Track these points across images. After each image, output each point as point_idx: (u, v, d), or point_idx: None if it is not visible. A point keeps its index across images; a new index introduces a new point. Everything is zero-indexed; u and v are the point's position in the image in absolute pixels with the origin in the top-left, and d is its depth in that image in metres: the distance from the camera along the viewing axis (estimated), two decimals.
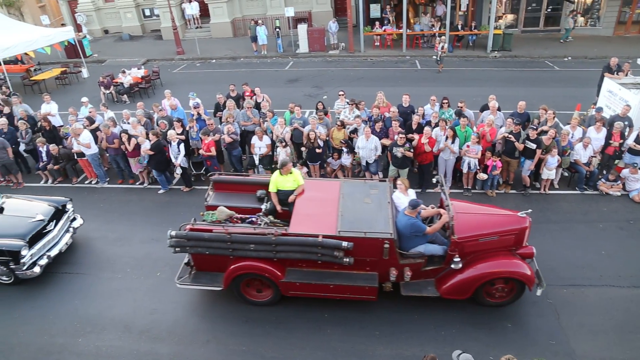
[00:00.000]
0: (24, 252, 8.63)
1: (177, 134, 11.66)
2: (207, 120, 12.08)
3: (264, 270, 7.75)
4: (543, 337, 7.63)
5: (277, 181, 8.55)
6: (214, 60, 24.25)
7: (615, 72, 14.18)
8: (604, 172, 11.56)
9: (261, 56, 24.31)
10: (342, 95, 13.08)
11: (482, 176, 11.00)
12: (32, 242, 8.86)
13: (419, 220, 7.79)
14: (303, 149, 11.70)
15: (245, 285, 8.20)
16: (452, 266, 7.72)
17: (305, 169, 11.67)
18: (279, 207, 8.57)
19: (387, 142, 11.29)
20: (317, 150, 11.37)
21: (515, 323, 7.90)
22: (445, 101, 12.20)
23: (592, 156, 11.30)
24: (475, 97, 14.57)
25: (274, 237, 7.41)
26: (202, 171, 12.40)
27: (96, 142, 12.16)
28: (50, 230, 9.31)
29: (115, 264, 9.55)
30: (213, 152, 11.54)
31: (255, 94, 13.78)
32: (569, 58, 22.70)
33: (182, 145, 11.51)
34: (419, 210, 7.84)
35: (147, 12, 30.58)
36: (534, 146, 10.70)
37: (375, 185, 8.81)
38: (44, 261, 8.97)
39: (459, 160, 11.28)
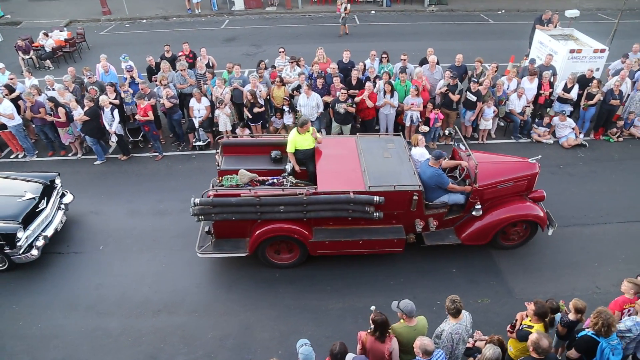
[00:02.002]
0: (19, 235, 7.93)
1: (111, 100, 11.02)
2: (140, 84, 11.47)
3: (293, 231, 7.64)
4: (485, 279, 8.09)
5: (296, 140, 8.25)
6: (144, 21, 22.88)
7: (546, 24, 14.64)
8: (537, 120, 12.08)
9: (195, 15, 23.18)
10: (283, 52, 12.76)
11: (424, 128, 11.21)
12: (25, 223, 8.14)
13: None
14: (245, 109, 11.42)
15: (274, 251, 8.09)
16: (474, 213, 8.05)
17: (247, 130, 11.43)
18: (297, 167, 8.37)
19: (328, 99, 11.21)
20: (259, 109, 11.13)
21: (459, 268, 8.30)
22: (385, 55, 12.18)
23: (526, 106, 11.75)
24: (414, 51, 14.65)
25: (305, 197, 7.26)
26: (139, 138, 11.85)
27: (19, 112, 11.25)
28: (42, 209, 8.59)
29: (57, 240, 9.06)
30: (150, 116, 11.01)
31: (195, 56, 13.16)
32: (503, 11, 23.20)
33: (116, 112, 10.90)
34: (441, 162, 8.00)
35: None
36: (474, 98, 10.99)
37: (390, 139, 8.92)
38: (40, 242, 8.30)
39: (400, 114, 11.41)
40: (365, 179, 7.62)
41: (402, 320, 5.51)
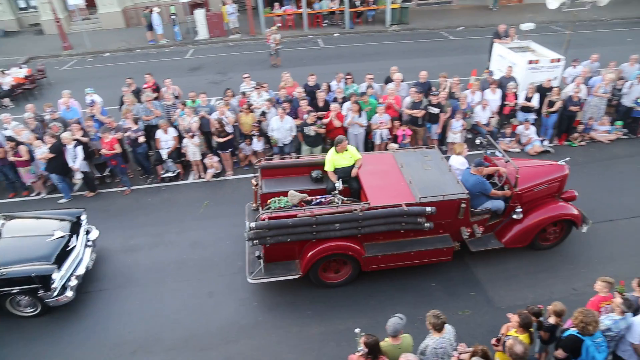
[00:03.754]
0: (54, 276, 7.51)
1: (78, 137, 10.75)
2: (105, 119, 11.25)
3: (348, 248, 7.63)
4: (464, 290, 8.10)
5: (334, 159, 8.39)
6: (107, 54, 22.66)
7: (503, 38, 15.11)
8: (502, 130, 12.35)
9: (159, 45, 23.10)
10: (247, 77, 12.75)
11: (393, 146, 11.28)
12: (58, 263, 7.72)
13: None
14: (214, 137, 11.32)
15: (321, 270, 7.98)
16: (514, 216, 8.30)
17: (216, 158, 11.33)
18: (338, 185, 8.28)
19: (297, 122, 11.22)
20: (227, 137, 11.06)
21: (439, 282, 8.28)
22: (349, 77, 12.32)
23: (491, 117, 12.02)
24: (379, 70, 14.87)
25: (360, 212, 7.31)
26: (106, 173, 11.58)
27: None
28: (73, 247, 8.23)
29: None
30: (118, 149, 10.76)
31: (159, 87, 13.03)
32: (462, 28, 23.90)
33: (79, 148, 10.61)
34: (482, 169, 8.24)
35: (22, 4, 27.63)
36: (437, 111, 11.19)
37: (425, 152, 9.07)
38: (73, 282, 7.90)
39: (369, 132, 11.50)
40: (413, 191, 7.78)
41: (387, 339, 5.45)
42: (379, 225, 7.53)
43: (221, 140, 11.14)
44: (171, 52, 22.44)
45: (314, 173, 8.75)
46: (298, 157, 9.56)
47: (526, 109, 12.14)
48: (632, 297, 6.09)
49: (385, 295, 8.03)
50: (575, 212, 8.49)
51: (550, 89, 12.08)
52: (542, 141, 12.18)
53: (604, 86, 12.34)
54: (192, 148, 11.12)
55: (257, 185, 8.71)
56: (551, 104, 11.94)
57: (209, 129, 11.41)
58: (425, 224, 7.55)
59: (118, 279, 8.66)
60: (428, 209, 7.46)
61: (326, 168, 8.46)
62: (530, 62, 12.87)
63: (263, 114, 11.57)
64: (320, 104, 11.44)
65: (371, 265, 7.89)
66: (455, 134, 11.52)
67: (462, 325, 7.10)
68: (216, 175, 11.57)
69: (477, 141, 10.08)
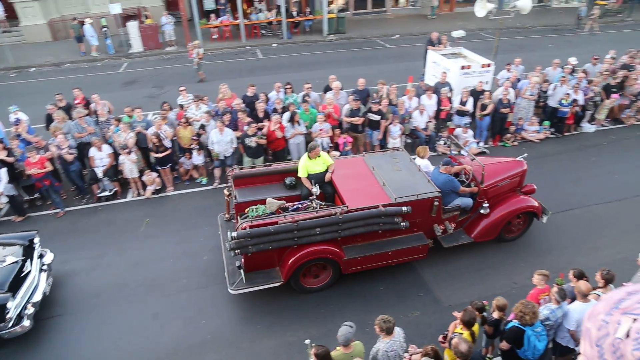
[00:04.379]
0: (9, 305, 6.86)
1: (2, 156, 10.04)
2: (32, 138, 10.60)
3: (329, 252, 7.68)
4: (412, 292, 8.23)
5: (307, 166, 8.45)
6: (33, 69, 21.46)
7: (436, 45, 15.67)
8: (439, 134, 12.75)
9: (90, 59, 22.15)
10: (184, 90, 12.43)
11: (335, 154, 11.33)
12: (12, 290, 7.06)
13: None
14: (152, 153, 10.94)
15: (302, 275, 7.93)
16: (482, 211, 8.75)
17: (155, 174, 10.95)
18: (314, 190, 8.28)
19: (237, 134, 11.07)
20: (165, 152, 10.73)
21: (387, 285, 8.37)
22: (289, 86, 12.33)
23: (429, 121, 12.38)
24: (318, 79, 14.99)
25: (340, 215, 7.39)
26: (36, 195, 10.88)
27: None
28: (28, 272, 7.56)
29: None
30: (49, 167, 10.11)
31: (89, 102, 12.43)
32: (398, 36, 24.60)
33: (3, 170, 9.90)
34: (450, 168, 8.64)
35: None
36: (377, 117, 11.39)
37: (393, 154, 9.32)
38: (30, 310, 7.24)
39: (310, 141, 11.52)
40: (388, 193, 7.98)
41: (338, 348, 5.41)
42: (358, 227, 7.65)
43: (159, 155, 10.80)
44: (103, 65, 21.59)
45: (288, 180, 8.83)
46: (270, 165, 9.56)
47: (461, 113, 12.60)
48: (567, 287, 6.42)
49: (335, 303, 8.02)
50: (536, 204, 9.04)
51: (482, 92, 12.62)
52: (477, 143, 12.68)
53: (530, 89, 13.04)
54: (129, 165, 10.69)
55: (229, 195, 8.64)
56: (484, 107, 12.47)
57: (147, 145, 11.02)
58: (402, 224, 7.76)
59: (52, 308, 8.10)
60: (404, 208, 7.68)
61: (300, 174, 8.53)
62: (463, 67, 13.41)
63: (202, 127, 11.32)
64: (260, 114, 11.35)
65: (351, 267, 7.97)
66: (395, 139, 11.76)
67: (412, 327, 7.22)
68: (156, 191, 11.18)
69: (441, 142, 10.34)
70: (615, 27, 27.43)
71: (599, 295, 6.19)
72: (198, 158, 11.25)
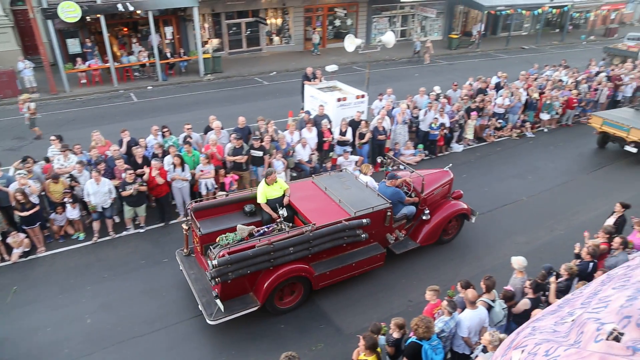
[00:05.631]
0: None
1: None
2: None
3: (301, 270, 7.99)
4: (313, 325, 8.17)
5: (265, 192, 8.79)
6: None
7: (312, 79, 16.25)
8: (323, 165, 13.08)
9: None
10: (55, 140, 11.35)
11: (222, 194, 11.11)
12: None
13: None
14: (15, 212, 9.76)
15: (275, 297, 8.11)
16: (424, 217, 9.68)
17: (22, 235, 9.78)
18: (274, 215, 8.72)
19: (115, 182, 10.34)
20: (33, 210, 9.66)
21: (287, 322, 8.22)
22: (166, 129, 11.88)
23: (312, 154, 12.65)
24: (198, 120, 14.70)
25: (311, 233, 7.79)
26: None
27: None
28: None
29: None
30: None
31: None
32: (275, 73, 25.14)
33: None
34: (395, 181, 9.48)
35: None
36: (260, 154, 11.39)
37: (339, 175, 10.12)
38: None
39: (194, 184, 11.15)
40: (346, 208, 8.56)
41: None
42: (326, 243, 8.10)
43: (25, 214, 9.67)
44: None
45: (247, 207, 9.10)
46: (227, 195, 9.73)
47: (342, 143, 13.09)
48: (457, 298, 6.82)
49: (236, 348, 7.68)
50: (466, 207, 10.19)
51: (359, 122, 13.25)
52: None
53: (402, 115, 14.00)
54: None
55: (188, 229, 8.74)
56: (362, 135, 13.08)
57: (9, 203, 9.81)
58: (362, 235, 8.38)
59: None
60: (364, 220, 8.34)
61: (259, 201, 8.84)
62: (339, 99, 14.02)
63: (72, 178, 10.40)
64: (139, 160, 10.75)
65: (321, 282, 8.35)
66: (279, 174, 11.79)
67: None
68: (25, 254, 9.93)
69: (379, 160, 11.55)
70: (467, 56, 30.84)
71: (486, 301, 6.66)
72: (73, 212, 10.27)
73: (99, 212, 10.31)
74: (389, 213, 8.82)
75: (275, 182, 8.87)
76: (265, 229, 8.31)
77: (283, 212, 8.64)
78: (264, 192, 8.78)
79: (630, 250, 7.87)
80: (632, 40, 30.76)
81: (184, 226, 8.74)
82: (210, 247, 7.91)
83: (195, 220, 8.53)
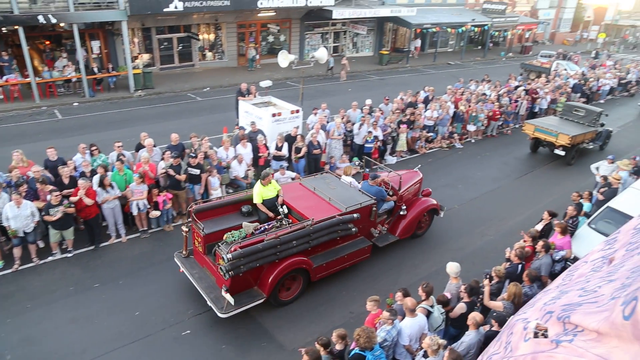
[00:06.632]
0: None
1: None
2: None
3: (303, 262, 8.62)
4: (255, 343, 8.04)
5: (261, 192, 9.33)
6: None
7: (246, 95, 16.18)
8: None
9: None
10: None
11: (155, 214, 10.77)
12: None
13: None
14: None
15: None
16: (401, 213, 10.67)
17: None
18: (270, 214, 9.38)
19: (38, 204, 9.71)
20: None
21: (228, 342, 8.05)
22: (95, 147, 11.34)
23: (248, 169, 12.55)
24: (128, 137, 14.17)
25: (311, 227, 8.44)
26: None
27: None
28: None
29: None
30: None
31: None
32: (208, 88, 24.77)
33: None
34: (377, 181, 10.35)
35: None
36: (197, 171, 11.14)
37: (323, 177, 10.93)
38: None
39: (126, 204, 10.70)
40: (337, 205, 9.34)
41: None
42: (323, 236, 8.73)
43: None
44: None
45: (244, 208, 9.65)
46: (224, 197, 10.33)
47: (278, 158, 13.08)
48: (397, 306, 6.97)
49: None
50: (435, 202, 11.27)
51: (295, 137, 13.33)
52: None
53: (337, 129, 14.24)
54: None
55: (188, 231, 9.15)
56: (298, 150, 13.16)
57: None
58: (353, 229, 9.06)
59: None
60: (355, 215, 9.10)
61: (256, 201, 9.39)
62: (274, 115, 14.04)
63: None
64: (66, 180, 10.18)
65: (319, 274, 9.00)
66: (216, 190, 11.62)
67: None
68: None
69: (356, 162, 12.42)
70: (398, 72, 32.00)
71: (425, 308, 6.86)
72: None
73: (20, 237, 9.61)
74: (374, 208, 9.68)
75: (270, 183, 9.44)
76: (266, 226, 8.90)
77: (284, 209, 9.38)
78: (260, 193, 9.33)
79: (553, 252, 8.42)
80: (544, 57, 33.56)
81: (184, 228, 9.19)
82: (218, 244, 8.39)
83: (197, 221, 8.90)
